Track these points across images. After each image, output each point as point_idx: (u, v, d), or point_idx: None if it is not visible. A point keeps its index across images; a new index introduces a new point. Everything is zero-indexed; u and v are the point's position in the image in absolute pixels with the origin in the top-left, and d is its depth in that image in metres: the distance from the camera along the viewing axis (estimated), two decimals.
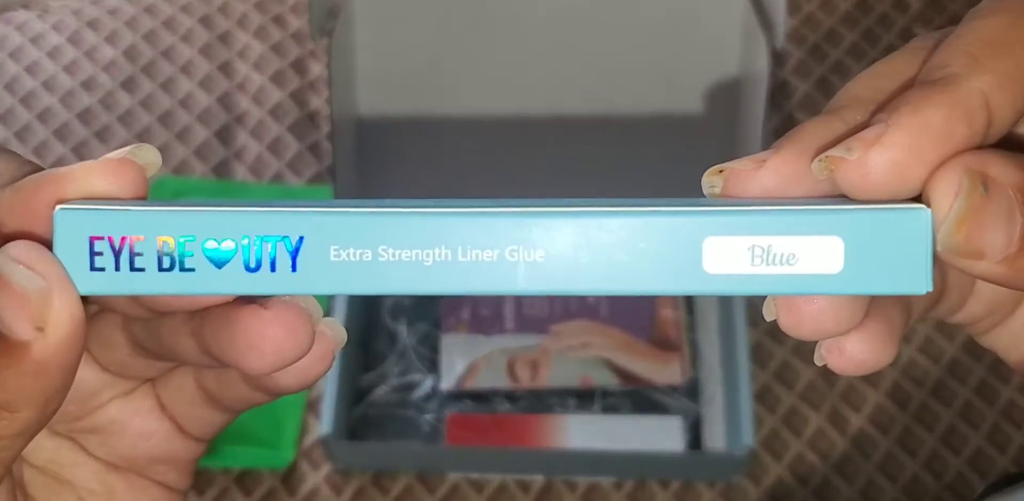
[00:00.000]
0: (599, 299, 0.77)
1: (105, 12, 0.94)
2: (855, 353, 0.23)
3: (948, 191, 0.20)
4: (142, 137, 0.87)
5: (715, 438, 0.73)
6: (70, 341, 0.21)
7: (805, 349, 0.78)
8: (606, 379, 0.74)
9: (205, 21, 0.93)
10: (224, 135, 0.88)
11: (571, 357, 0.75)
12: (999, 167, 0.21)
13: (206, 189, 0.83)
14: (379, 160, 0.75)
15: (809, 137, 0.22)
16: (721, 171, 0.23)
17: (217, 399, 0.27)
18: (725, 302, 0.76)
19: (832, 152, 0.21)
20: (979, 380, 0.77)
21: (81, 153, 0.86)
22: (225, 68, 0.91)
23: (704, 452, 0.73)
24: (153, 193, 0.77)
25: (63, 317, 0.21)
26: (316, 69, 0.91)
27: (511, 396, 0.74)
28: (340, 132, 0.71)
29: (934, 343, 0.79)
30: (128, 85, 0.90)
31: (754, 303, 0.79)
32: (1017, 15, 0.23)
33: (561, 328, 0.76)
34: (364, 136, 0.74)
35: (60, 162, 0.86)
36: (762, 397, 0.76)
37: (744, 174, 0.22)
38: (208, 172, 0.85)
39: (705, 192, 0.23)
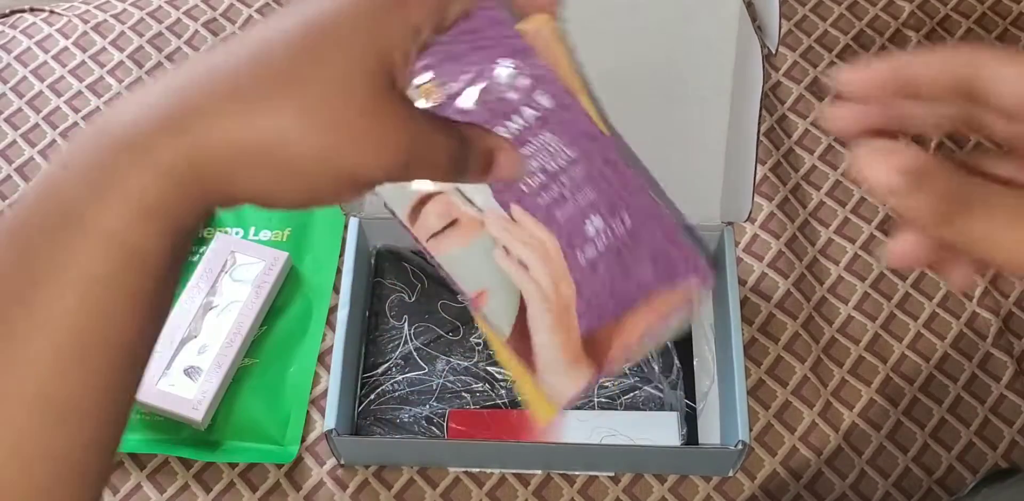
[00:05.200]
0: None
1: (110, 16, 0.95)
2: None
3: None
4: None
5: (710, 433, 0.74)
6: None
7: (797, 347, 0.79)
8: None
9: (209, 25, 0.95)
10: None
11: None
12: None
13: None
14: None
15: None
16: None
17: None
18: (720, 301, 0.77)
19: None
20: (969, 377, 0.78)
21: None
22: None
23: (699, 447, 0.74)
24: None
25: None
26: None
27: (510, 389, 0.75)
28: None
29: (924, 340, 0.80)
30: (134, 88, 0.91)
31: (749, 302, 0.81)
32: None
33: None
34: None
35: None
36: (756, 394, 0.77)
37: None
38: None
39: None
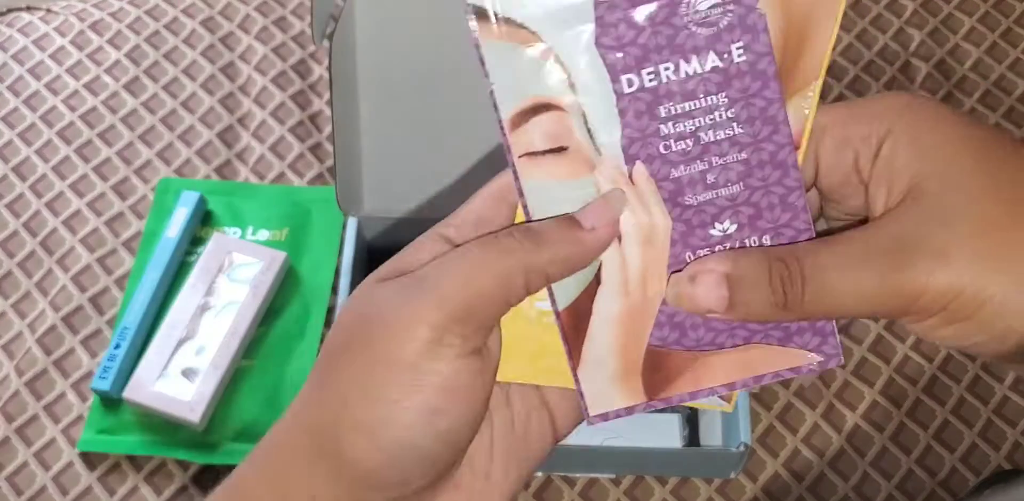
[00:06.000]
0: None
1: (108, 14, 0.95)
2: None
3: None
4: (145, 138, 0.88)
5: (712, 435, 0.74)
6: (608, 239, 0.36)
7: None
8: None
9: (207, 23, 0.94)
10: (227, 136, 0.88)
11: None
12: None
13: (210, 190, 0.84)
14: (380, 161, 0.75)
15: None
16: None
17: None
18: None
19: None
20: (972, 378, 0.78)
21: (84, 154, 0.87)
22: (227, 70, 0.92)
23: (701, 449, 0.73)
24: (157, 195, 0.78)
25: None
26: (317, 71, 0.92)
27: None
28: (341, 133, 0.72)
29: (927, 341, 0.79)
30: (131, 87, 0.91)
31: None
32: None
33: None
34: (365, 137, 0.75)
35: (64, 163, 0.87)
36: (758, 395, 0.77)
37: None
38: (211, 173, 0.86)
39: None
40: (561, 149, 0.35)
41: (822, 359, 0.37)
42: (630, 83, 0.35)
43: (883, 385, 0.78)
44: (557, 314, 0.37)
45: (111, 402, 0.75)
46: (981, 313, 0.33)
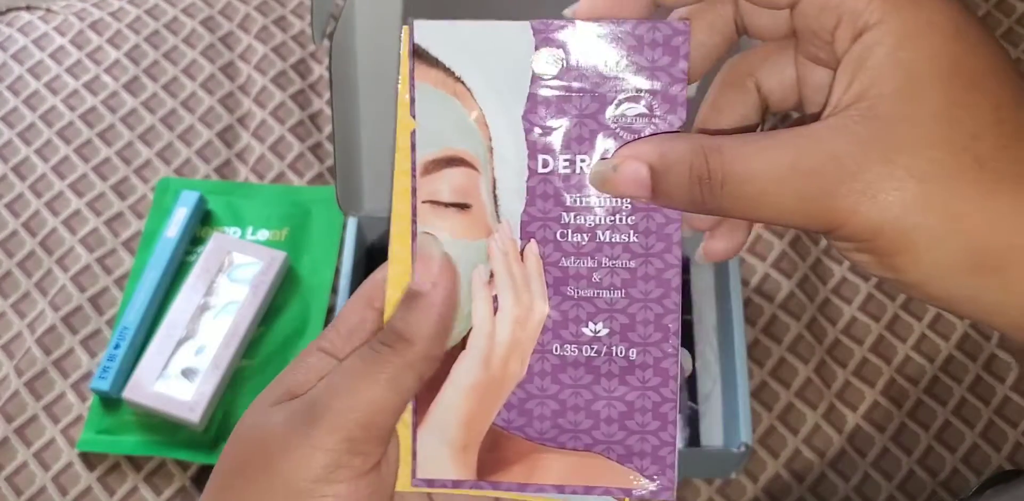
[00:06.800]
0: None
1: (107, 14, 0.95)
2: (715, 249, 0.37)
3: None
4: (145, 138, 0.88)
5: (713, 435, 0.74)
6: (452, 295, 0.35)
7: (800, 348, 0.79)
8: None
9: (207, 23, 0.94)
10: (226, 136, 0.88)
11: None
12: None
13: (210, 190, 0.84)
14: (380, 161, 0.75)
15: None
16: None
17: None
18: (723, 302, 0.76)
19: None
20: (973, 378, 0.78)
21: (84, 154, 0.87)
22: (227, 69, 0.92)
23: (702, 449, 0.73)
24: (157, 194, 0.78)
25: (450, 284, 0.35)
26: (317, 71, 0.92)
27: None
28: (341, 133, 0.72)
29: (929, 341, 0.79)
30: (131, 86, 0.91)
31: (752, 303, 0.80)
32: None
33: None
34: (365, 137, 0.75)
35: (63, 162, 0.87)
36: (759, 395, 0.77)
37: None
38: (211, 173, 0.86)
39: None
40: (465, 206, 0.36)
41: (655, 488, 0.36)
42: (544, 164, 0.35)
43: (884, 385, 0.78)
44: None
45: (111, 402, 0.75)
46: (899, 257, 0.32)
